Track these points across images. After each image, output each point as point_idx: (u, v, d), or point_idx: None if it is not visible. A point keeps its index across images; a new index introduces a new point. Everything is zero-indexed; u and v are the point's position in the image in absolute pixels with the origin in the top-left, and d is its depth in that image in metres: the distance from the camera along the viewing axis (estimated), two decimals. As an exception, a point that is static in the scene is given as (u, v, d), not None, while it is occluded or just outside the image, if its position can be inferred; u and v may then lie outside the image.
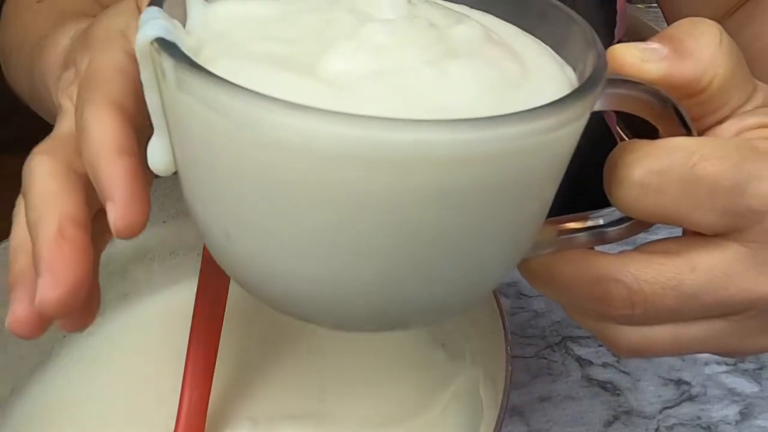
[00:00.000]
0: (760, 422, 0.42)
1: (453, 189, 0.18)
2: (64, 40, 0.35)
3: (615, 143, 0.31)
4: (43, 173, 0.23)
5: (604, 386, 0.44)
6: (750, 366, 0.46)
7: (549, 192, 0.21)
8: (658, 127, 0.22)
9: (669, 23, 0.25)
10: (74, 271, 0.21)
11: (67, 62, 0.29)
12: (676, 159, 0.21)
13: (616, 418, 0.42)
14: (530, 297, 0.50)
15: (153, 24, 0.19)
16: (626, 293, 0.22)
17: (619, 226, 0.23)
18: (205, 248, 0.32)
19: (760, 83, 0.23)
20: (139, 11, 0.25)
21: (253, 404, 0.37)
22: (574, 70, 0.21)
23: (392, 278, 0.19)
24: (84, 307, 0.23)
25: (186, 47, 0.19)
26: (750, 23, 0.43)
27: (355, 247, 0.19)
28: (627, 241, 0.24)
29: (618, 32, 0.57)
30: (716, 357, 0.46)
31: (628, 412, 0.43)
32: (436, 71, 0.19)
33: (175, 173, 0.22)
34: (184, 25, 0.21)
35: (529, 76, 0.20)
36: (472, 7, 0.24)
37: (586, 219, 0.24)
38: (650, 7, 1.06)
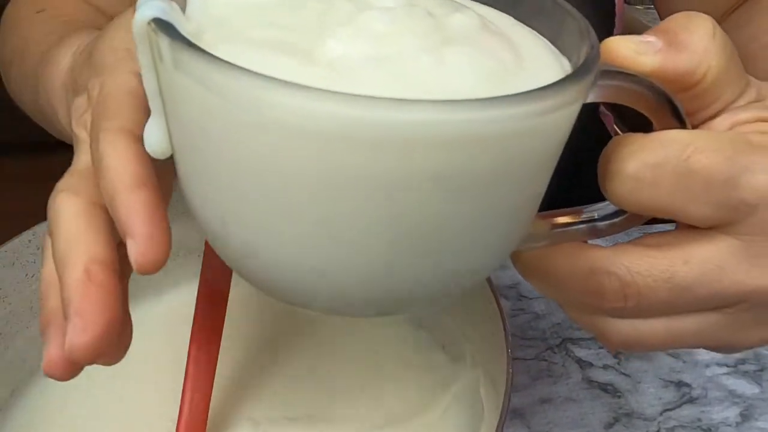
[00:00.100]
0: (760, 424, 0.42)
1: (450, 172, 0.18)
2: (66, 56, 0.35)
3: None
4: (67, 213, 0.23)
5: (605, 388, 0.44)
6: (750, 367, 0.46)
7: (542, 179, 0.21)
8: (653, 120, 0.22)
9: None
10: (103, 314, 0.21)
11: (76, 86, 0.28)
12: (670, 152, 0.21)
13: (616, 420, 0.42)
14: (530, 299, 0.50)
15: (150, 5, 0.19)
16: (619, 286, 0.22)
17: (613, 220, 0.23)
18: (205, 250, 0.32)
19: (753, 79, 0.23)
20: None
21: (254, 406, 0.37)
22: (570, 60, 0.22)
23: (386, 262, 0.20)
24: (117, 342, 0.23)
25: (186, 33, 0.19)
26: (747, 23, 0.43)
27: (351, 231, 0.19)
28: (622, 234, 0.24)
29: (616, 33, 0.57)
30: (717, 358, 0.46)
31: (629, 414, 0.43)
32: (433, 58, 0.19)
33: (171, 157, 0.22)
34: (184, 12, 0.21)
35: (524, 65, 0.21)
36: None
37: (580, 213, 0.24)
38: (649, 8, 1.06)
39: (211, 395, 0.34)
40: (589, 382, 0.45)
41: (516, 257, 0.24)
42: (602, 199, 0.23)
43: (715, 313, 0.23)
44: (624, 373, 0.45)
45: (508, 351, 0.30)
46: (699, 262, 0.22)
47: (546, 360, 0.46)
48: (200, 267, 0.33)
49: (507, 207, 0.20)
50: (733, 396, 0.44)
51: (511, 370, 0.30)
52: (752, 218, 0.21)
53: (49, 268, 0.23)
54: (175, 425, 0.33)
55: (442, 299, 0.23)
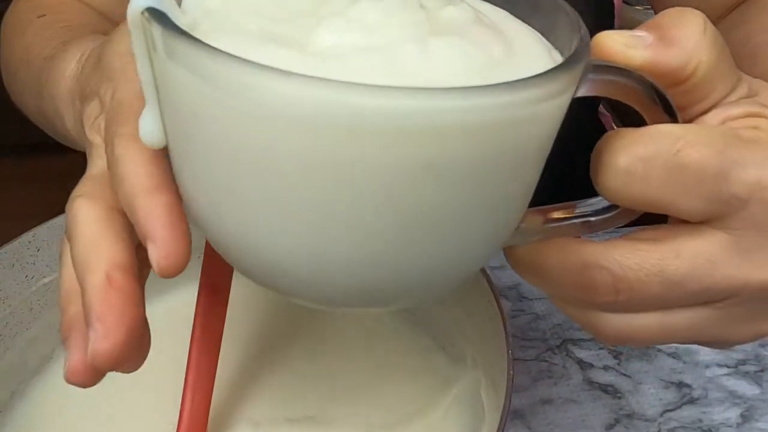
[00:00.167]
0: (761, 425, 0.42)
1: (439, 160, 0.18)
2: (71, 63, 0.35)
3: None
4: (85, 218, 0.23)
5: (605, 389, 0.44)
6: (751, 368, 0.46)
7: (532, 171, 0.21)
8: (644, 115, 0.22)
9: None
10: (124, 320, 0.21)
11: (84, 92, 0.28)
12: (661, 145, 0.21)
13: (617, 421, 0.42)
14: (531, 300, 0.50)
15: None
16: (611, 280, 0.22)
17: (606, 215, 0.23)
18: (206, 251, 0.32)
19: (744, 75, 0.23)
20: None
21: (254, 407, 0.37)
22: (562, 55, 0.22)
23: (376, 251, 0.20)
24: (137, 348, 0.23)
25: (180, 23, 0.19)
26: (744, 23, 0.43)
27: (340, 218, 0.19)
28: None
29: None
30: (717, 359, 0.46)
31: (630, 415, 0.43)
32: (423, 48, 0.19)
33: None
34: (180, 5, 0.21)
35: (515, 57, 0.21)
36: None
37: (573, 208, 0.24)
38: (648, 9, 1.07)
39: (211, 396, 0.34)
40: (590, 383, 0.45)
41: (509, 252, 0.24)
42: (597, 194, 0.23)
43: (706, 308, 0.23)
44: (624, 374, 0.45)
45: (508, 352, 0.30)
46: (690, 256, 0.22)
47: (546, 361, 0.46)
48: (200, 267, 0.33)
49: (498, 197, 0.20)
50: (733, 397, 0.44)
51: (512, 371, 0.30)
52: (743, 212, 0.21)
53: (68, 273, 0.24)
54: (176, 427, 0.33)
55: (432, 292, 0.23)
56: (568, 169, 0.43)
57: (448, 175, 0.18)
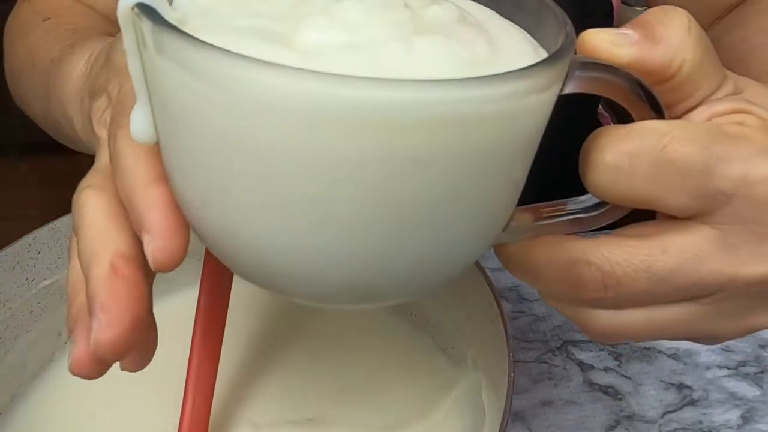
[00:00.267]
0: (761, 426, 0.42)
1: (425, 153, 0.18)
2: (79, 64, 0.35)
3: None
4: (93, 209, 0.22)
5: (606, 391, 0.44)
6: (751, 370, 0.46)
7: (519, 166, 0.21)
8: (631, 112, 0.22)
9: None
10: (128, 309, 0.21)
11: (93, 90, 0.29)
12: (647, 141, 0.21)
13: (617, 422, 0.42)
14: (531, 301, 0.50)
15: None
16: (599, 276, 0.22)
17: (595, 212, 0.24)
18: (206, 254, 0.32)
19: (730, 73, 0.23)
20: None
21: (255, 409, 0.37)
22: (548, 52, 0.22)
23: (362, 245, 0.20)
24: (142, 344, 0.23)
25: (170, 20, 0.19)
26: (739, 25, 0.43)
27: (326, 210, 0.19)
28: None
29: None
30: (718, 361, 0.46)
31: (630, 417, 0.43)
32: (407, 47, 0.19)
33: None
34: (171, 3, 0.21)
35: (500, 55, 0.21)
36: None
37: (563, 205, 0.24)
38: (647, 9, 1.06)
39: (212, 399, 0.34)
40: (590, 384, 0.45)
41: (499, 250, 0.24)
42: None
43: (694, 303, 0.23)
44: (625, 376, 0.45)
45: (509, 354, 0.30)
46: (677, 251, 0.22)
47: (547, 362, 0.46)
48: (200, 270, 0.33)
49: (484, 192, 0.20)
50: (734, 398, 0.44)
51: (512, 373, 0.30)
52: (728, 207, 0.21)
53: (75, 265, 0.23)
54: (176, 429, 0.33)
55: (423, 286, 0.23)
56: (569, 168, 0.43)
57: (436, 168, 0.18)
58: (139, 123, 0.21)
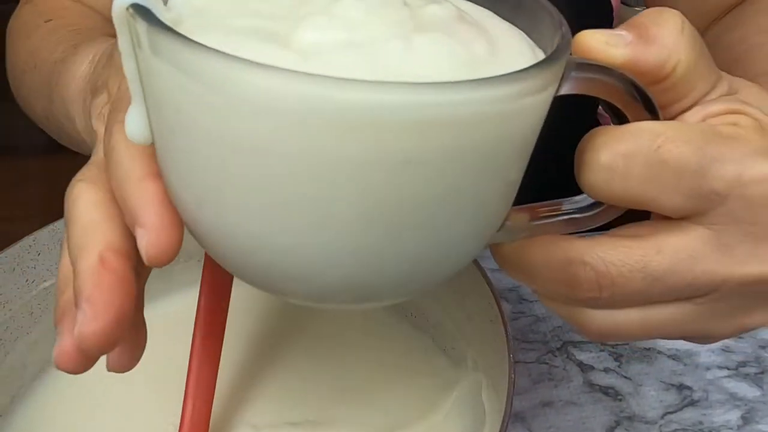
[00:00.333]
0: (761, 427, 0.42)
1: (415, 154, 0.18)
2: (83, 64, 0.35)
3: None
4: (86, 202, 0.22)
5: (606, 391, 0.44)
6: (752, 370, 0.46)
7: (514, 167, 0.21)
8: (626, 113, 0.22)
9: None
10: (114, 302, 0.21)
11: (96, 88, 0.29)
12: (641, 142, 0.21)
13: (618, 423, 0.42)
14: (531, 302, 0.50)
15: None
16: (593, 276, 0.22)
17: (591, 212, 0.24)
18: (206, 255, 0.32)
19: (725, 74, 0.23)
20: None
21: (255, 411, 0.37)
22: (545, 53, 0.22)
23: (357, 245, 0.20)
24: (130, 344, 0.23)
25: (165, 21, 0.19)
26: (737, 26, 0.43)
27: (321, 211, 0.19)
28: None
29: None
30: (718, 361, 0.46)
31: (630, 418, 0.43)
32: (405, 45, 0.19)
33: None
34: (166, 3, 0.21)
35: (499, 55, 0.21)
36: None
37: (559, 205, 0.24)
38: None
39: (212, 402, 0.33)
40: (591, 385, 0.45)
41: (495, 250, 0.25)
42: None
43: (689, 303, 0.23)
44: (625, 376, 0.45)
45: (510, 355, 0.30)
46: (672, 251, 0.22)
47: (547, 363, 0.46)
48: (200, 272, 0.33)
49: (479, 193, 0.20)
50: (734, 399, 0.44)
51: (513, 374, 0.30)
52: (722, 208, 0.21)
53: (65, 259, 0.23)
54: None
55: (419, 286, 0.23)
56: (564, 169, 0.43)
57: (430, 169, 0.18)
58: (135, 124, 0.21)
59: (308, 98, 0.17)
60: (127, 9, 0.19)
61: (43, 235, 0.36)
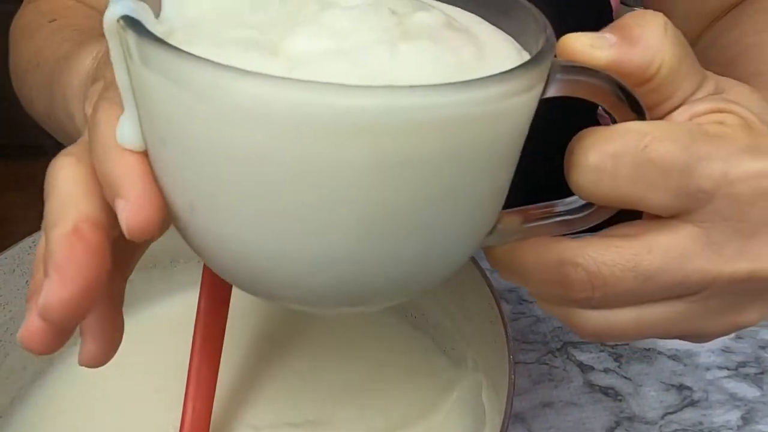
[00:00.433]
0: (761, 427, 0.42)
1: (402, 158, 0.18)
2: (86, 61, 0.35)
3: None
4: (65, 176, 0.21)
5: (606, 392, 0.44)
6: (751, 370, 0.46)
7: (503, 168, 0.21)
8: (614, 114, 0.22)
9: None
10: (85, 271, 0.20)
11: (95, 77, 0.29)
12: (628, 142, 0.21)
13: (618, 423, 0.42)
14: (531, 302, 0.50)
15: (120, 3, 0.19)
16: (586, 276, 0.22)
17: (583, 213, 0.24)
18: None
19: (710, 73, 0.23)
20: None
21: (255, 412, 0.37)
22: (531, 55, 0.22)
23: (349, 249, 0.20)
24: (103, 336, 0.23)
25: (156, 33, 0.19)
26: (735, 26, 0.43)
27: (313, 216, 0.19)
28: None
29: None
30: (718, 362, 0.46)
31: (630, 418, 0.43)
32: (393, 52, 0.20)
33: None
34: (158, 16, 0.21)
35: (485, 60, 0.21)
36: None
37: (551, 207, 0.24)
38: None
39: (213, 403, 0.34)
40: (591, 385, 0.45)
41: (489, 252, 0.25)
42: None
43: (681, 302, 0.23)
44: (625, 377, 0.45)
45: (510, 355, 0.30)
46: (662, 250, 0.22)
47: (547, 364, 0.46)
48: (200, 273, 0.33)
49: (470, 193, 0.20)
50: (734, 399, 0.44)
51: (513, 375, 0.30)
52: (710, 206, 0.22)
53: (43, 241, 0.22)
54: (177, 432, 0.33)
55: (407, 291, 0.23)
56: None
57: (428, 170, 0.19)
58: (127, 131, 0.21)
59: (301, 105, 0.17)
60: (118, 21, 0.19)
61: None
